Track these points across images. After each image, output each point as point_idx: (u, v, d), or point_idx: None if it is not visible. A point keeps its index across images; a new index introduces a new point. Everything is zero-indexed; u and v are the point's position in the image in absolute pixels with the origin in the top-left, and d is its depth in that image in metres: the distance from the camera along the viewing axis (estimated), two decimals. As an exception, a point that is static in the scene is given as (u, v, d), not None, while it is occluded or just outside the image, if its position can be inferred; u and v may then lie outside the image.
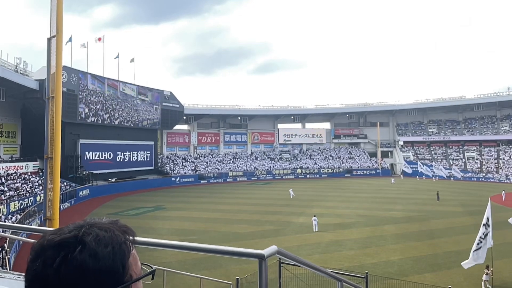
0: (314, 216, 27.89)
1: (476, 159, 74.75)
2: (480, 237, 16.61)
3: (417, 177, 69.58)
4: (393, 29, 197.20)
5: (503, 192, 43.50)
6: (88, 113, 49.22)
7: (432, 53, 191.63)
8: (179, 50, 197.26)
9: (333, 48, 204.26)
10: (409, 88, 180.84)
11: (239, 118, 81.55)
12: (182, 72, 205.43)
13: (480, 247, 16.33)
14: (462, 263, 16.48)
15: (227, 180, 68.43)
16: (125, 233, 0.96)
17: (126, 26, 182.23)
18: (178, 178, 62.97)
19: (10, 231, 12.07)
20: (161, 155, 69.66)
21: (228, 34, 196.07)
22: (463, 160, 75.52)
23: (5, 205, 29.34)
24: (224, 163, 73.96)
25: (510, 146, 72.87)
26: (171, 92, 64.79)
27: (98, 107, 50.86)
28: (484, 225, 16.86)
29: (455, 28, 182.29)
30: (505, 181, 63.21)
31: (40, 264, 0.85)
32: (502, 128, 75.55)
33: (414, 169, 73.32)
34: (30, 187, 36.73)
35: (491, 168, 71.16)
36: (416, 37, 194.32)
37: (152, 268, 1.00)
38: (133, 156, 58.66)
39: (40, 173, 39.71)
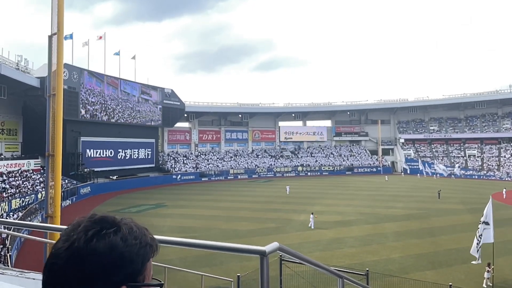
0: (312, 213, 28.02)
1: (477, 156, 74.65)
2: (481, 235, 16.75)
3: (418, 174, 69.55)
4: (394, 27, 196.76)
5: (504, 190, 43.45)
6: (89, 111, 49.23)
7: (434, 51, 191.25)
8: (181, 48, 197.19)
9: (334, 46, 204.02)
10: (410, 85, 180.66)
11: (240, 115, 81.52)
12: (184, 69, 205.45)
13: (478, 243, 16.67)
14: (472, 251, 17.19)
15: (228, 177, 68.47)
16: (153, 238, 1.03)
17: (127, 23, 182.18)
18: (179, 176, 63.03)
19: (12, 228, 12.10)
20: (162, 153, 69.71)
21: (230, 31, 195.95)
22: (464, 157, 75.43)
23: (6, 202, 29.40)
24: (225, 161, 73.98)
25: (511, 144, 72.74)
26: (172, 90, 64.75)
27: (98, 106, 50.84)
28: (483, 222, 16.95)
29: (456, 26, 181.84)
30: (506, 179, 63.13)
31: (75, 232, 0.92)
32: (504, 126, 75.40)
33: (415, 167, 73.27)
34: (32, 185, 36.79)
35: (492, 165, 71.08)
36: (418, 35, 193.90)
37: (160, 282, 1.03)
38: (134, 154, 58.72)
39: (42, 171, 39.76)
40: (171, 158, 69.62)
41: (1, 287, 2.24)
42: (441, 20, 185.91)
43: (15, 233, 10.93)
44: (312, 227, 26.70)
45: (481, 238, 16.83)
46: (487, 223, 17.12)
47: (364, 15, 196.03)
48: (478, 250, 17.03)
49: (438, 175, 67.30)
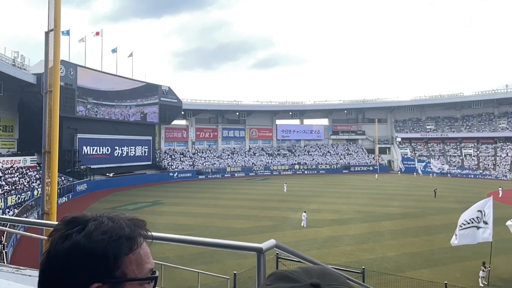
0: (304, 212, 28.00)
1: (474, 156, 74.98)
2: (472, 219, 17.05)
3: (415, 173, 69.83)
4: (392, 26, 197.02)
5: (500, 188, 43.68)
6: (86, 108, 49.05)
7: (431, 50, 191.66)
8: (179, 45, 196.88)
9: (332, 45, 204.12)
10: (408, 85, 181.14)
11: (237, 113, 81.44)
12: (181, 67, 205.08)
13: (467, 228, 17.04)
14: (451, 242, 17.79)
15: (225, 175, 68.44)
16: (136, 230, 0.96)
17: (125, 19, 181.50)
18: (176, 173, 62.95)
19: (8, 224, 12.04)
20: (159, 150, 69.58)
21: (229, 28, 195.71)
22: (461, 157, 75.74)
23: (2, 199, 29.28)
24: (222, 159, 73.95)
25: (507, 143, 73.08)
26: (169, 87, 64.57)
27: (95, 102, 50.65)
28: (479, 211, 17.26)
29: (454, 26, 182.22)
30: (502, 178, 63.45)
31: (50, 237, 0.93)
32: (500, 125, 75.76)
33: (411, 165, 73.54)
34: (28, 181, 36.66)
35: (488, 165, 71.42)
36: (415, 34, 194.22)
37: (153, 275, 0.97)
38: (131, 151, 58.57)
39: (38, 168, 39.61)
40: (168, 155, 69.52)
41: (-3, 283, 2.23)
42: (439, 19, 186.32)
43: (11, 229, 10.89)
44: (304, 226, 26.71)
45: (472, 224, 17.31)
46: (486, 222, 17.25)
47: (362, 14, 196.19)
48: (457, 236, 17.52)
49: (434, 174, 67.57)
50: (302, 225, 26.85)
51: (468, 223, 17.37)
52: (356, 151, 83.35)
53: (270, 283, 0.81)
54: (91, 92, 49.93)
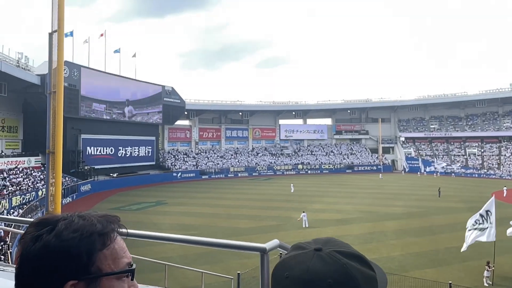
0: (303, 212, 27.86)
1: (478, 155, 74.61)
2: (477, 220, 17.03)
3: (418, 173, 69.59)
4: (395, 25, 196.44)
5: (504, 188, 43.41)
6: (90, 108, 49.23)
7: (434, 49, 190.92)
8: (183, 45, 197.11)
9: (335, 44, 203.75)
10: (411, 84, 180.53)
11: (240, 113, 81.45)
12: (185, 67, 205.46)
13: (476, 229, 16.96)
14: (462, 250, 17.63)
15: (228, 175, 68.47)
16: (108, 226, 0.96)
17: (129, 19, 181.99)
18: (180, 174, 63.05)
19: (13, 225, 12.12)
20: (163, 150, 69.73)
21: (232, 28, 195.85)
22: (465, 156, 75.40)
23: (7, 199, 29.44)
24: (225, 159, 73.99)
25: (512, 143, 72.70)
26: (172, 88, 64.69)
27: (99, 102, 50.84)
28: (482, 215, 17.15)
29: (456, 25, 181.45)
30: (507, 178, 63.08)
31: (21, 240, 0.92)
32: (504, 125, 75.30)
33: (415, 165, 73.27)
34: (32, 182, 36.84)
35: (493, 164, 71.04)
36: (418, 33, 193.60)
37: (130, 268, 0.96)
38: (134, 151, 58.75)
39: (42, 168, 39.79)
40: (172, 155, 69.64)
41: (2, 284, 2.25)
42: (442, 18, 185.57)
43: (16, 230, 10.95)
44: (306, 226, 26.63)
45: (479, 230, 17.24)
46: (490, 222, 17.19)
47: (365, 12, 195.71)
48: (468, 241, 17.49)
49: (438, 173, 67.29)
50: (303, 225, 26.78)
51: (474, 224, 17.41)
52: (359, 151, 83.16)
53: (287, 252, 1.02)
54: (98, 102, 50.44)
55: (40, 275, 0.86)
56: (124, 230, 1.00)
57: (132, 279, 0.98)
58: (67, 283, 0.86)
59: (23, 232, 0.94)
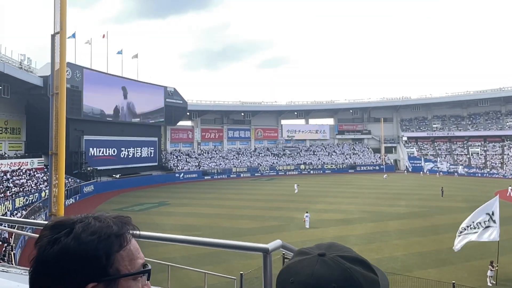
0: (307, 212, 27.81)
1: (481, 154, 74.36)
2: (479, 223, 16.92)
3: (421, 172, 69.41)
4: (397, 25, 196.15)
5: (509, 187, 42.98)
6: (92, 109, 49.34)
7: (436, 49, 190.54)
8: (185, 46, 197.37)
9: (337, 44, 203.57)
10: (413, 83, 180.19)
11: (242, 114, 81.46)
12: (187, 67, 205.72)
13: (477, 233, 16.82)
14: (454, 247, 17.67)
15: (231, 176, 68.50)
16: (124, 227, 0.97)
17: (131, 20, 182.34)
18: (182, 174, 63.11)
19: (16, 226, 12.16)
20: (165, 151, 69.82)
21: (234, 28, 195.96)
22: (468, 155, 75.15)
23: (10, 201, 29.53)
24: (227, 159, 74.01)
25: (515, 142, 72.40)
26: (174, 88, 64.79)
27: (101, 103, 50.95)
28: (487, 214, 17.07)
29: (459, 24, 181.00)
30: (510, 177, 62.79)
31: (37, 243, 0.91)
32: (507, 124, 75.02)
33: (417, 164, 73.09)
34: (35, 183, 36.95)
35: (496, 163, 70.77)
36: (421, 32, 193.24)
37: (146, 269, 0.98)
38: (137, 152, 58.85)
39: (45, 169, 39.91)
40: (174, 156, 69.72)
41: (6, 285, 2.25)
42: (445, 17, 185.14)
43: (19, 231, 10.99)
44: (307, 226, 26.58)
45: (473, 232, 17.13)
46: (494, 221, 17.10)
47: (367, 12, 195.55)
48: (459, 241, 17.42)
49: (441, 173, 67.10)
50: (306, 226, 26.72)
51: (475, 227, 17.23)
52: (362, 151, 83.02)
53: (291, 258, 1.05)
54: (101, 103, 50.68)
55: (59, 278, 0.86)
56: (137, 232, 1.01)
57: (148, 279, 0.99)
58: (87, 285, 0.86)
59: (39, 235, 0.93)
